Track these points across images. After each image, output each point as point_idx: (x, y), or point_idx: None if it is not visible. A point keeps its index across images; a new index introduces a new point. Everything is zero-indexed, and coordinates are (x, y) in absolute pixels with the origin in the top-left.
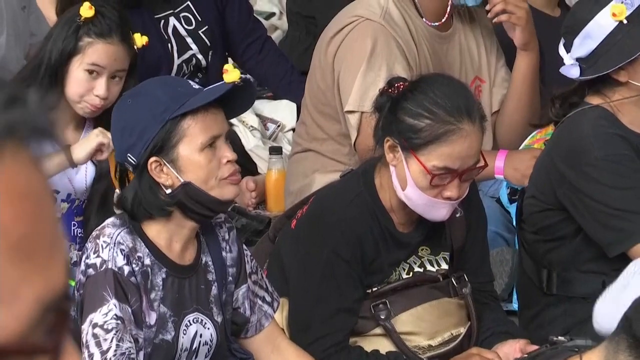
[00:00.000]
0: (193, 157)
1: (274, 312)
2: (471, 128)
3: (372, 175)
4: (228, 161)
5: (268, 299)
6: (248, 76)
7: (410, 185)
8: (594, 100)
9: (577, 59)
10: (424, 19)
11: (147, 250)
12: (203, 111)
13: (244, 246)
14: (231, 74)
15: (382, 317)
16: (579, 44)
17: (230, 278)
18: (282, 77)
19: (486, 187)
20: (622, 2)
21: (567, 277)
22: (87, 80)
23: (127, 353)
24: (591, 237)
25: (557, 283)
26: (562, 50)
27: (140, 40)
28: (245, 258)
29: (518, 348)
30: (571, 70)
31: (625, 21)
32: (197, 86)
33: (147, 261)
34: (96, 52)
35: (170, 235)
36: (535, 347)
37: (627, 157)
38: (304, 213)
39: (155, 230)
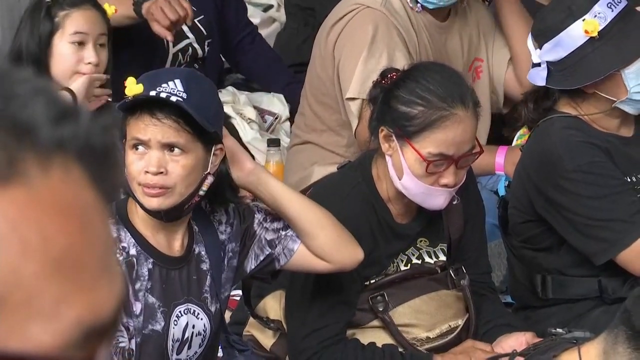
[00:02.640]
0: (127, 155)
1: None
2: (465, 114)
3: (369, 166)
4: (147, 171)
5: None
6: (175, 99)
7: (407, 174)
8: (565, 107)
9: (547, 62)
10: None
11: (133, 241)
12: (137, 114)
13: (250, 206)
14: (130, 87)
15: (380, 309)
16: (549, 49)
17: (230, 254)
18: (268, 68)
19: (485, 180)
20: (595, 17)
21: (562, 281)
22: (73, 53)
23: (114, 341)
24: (575, 248)
25: (552, 287)
26: (530, 45)
27: (109, 9)
28: (250, 221)
29: (524, 341)
30: (539, 74)
31: (597, 36)
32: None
33: (133, 251)
34: (74, 20)
35: (154, 225)
36: (540, 339)
37: (598, 164)
38: None
39: (141, 220)
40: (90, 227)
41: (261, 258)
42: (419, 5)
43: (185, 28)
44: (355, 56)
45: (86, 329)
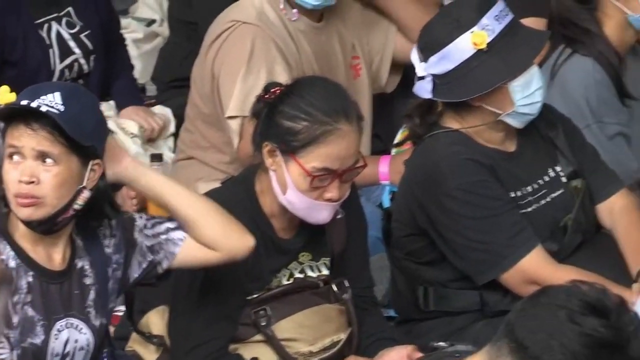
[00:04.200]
0: (4, 164)
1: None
2: (348, 128)
3: (252, 181)
4: (20, 181)
5: (171, 225)
6: (47, 109)
7: (291, 189)
8: (450, 122)
9: (432, 74)
10: (296, 12)
11: (13, 253)
12: (15, 123)
13: (130, 214)
14: (3, 96)
15: (263, 323)
16: (435, 62)
17: (115, 266)
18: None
19: (369, 193)
20: (483, 29)
21: (444, 293)
22: None
23: None
24: (456, 266)
25: (434, 300)
26: (415, 58)
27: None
28: (131, 230)
29: (406, 354)
30: (424, 87)
31: (485, 48)
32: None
33: (12, 264)
34: None
35: (33, 238)
36: (421, 354)
37: (481, 183)
38: None
39: (21, 232)
40: None
41: (144, 265)
42: (294, 12)
43: (72, 43)
44: (234, 74)
45: None
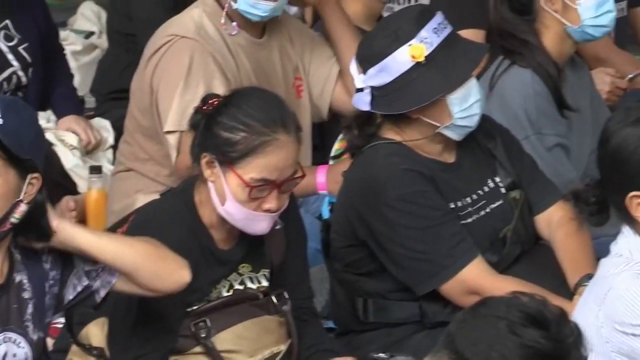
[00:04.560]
0: None
1: None
2: (287, 138)
3: (191, 193)
4: None
5: None
6: None
7: (230, 200)
8: (389, 133)
9: (371, 87)
10: (236, 26)
11: None
12: None
13: None
14: None
15: (203, 335)
16: (373, 74)
17: (52, 281)
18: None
19: (308, 204)
20: (421, 42)
21: (383, 304)
22: None
23: None
24: (396, 277)
25: (373, 311)
26: (354, 70)
27: None
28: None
29: None
30: (363, 99)
31: (423, 61)
32: None
33: None
34: None
35: None
36: None
37: (422, 193)
38: (124, 232)
39: None
40: None
41: (79, 289)
42: (234, 25)
43: (10, 56)
44: (172, 89)
45: None
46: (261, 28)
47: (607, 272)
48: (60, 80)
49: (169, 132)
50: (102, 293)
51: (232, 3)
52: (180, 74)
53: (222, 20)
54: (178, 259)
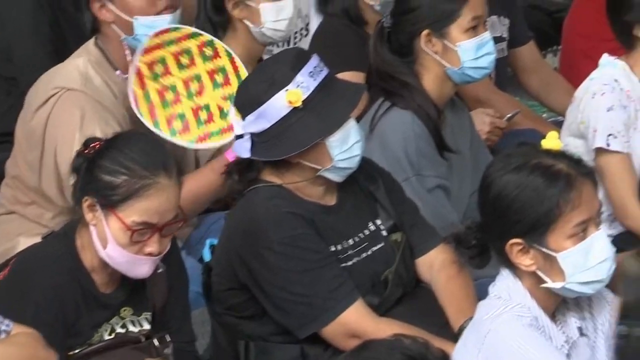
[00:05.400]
0: None
1: None
2: (168, 182)
3: (72, 236)
4: None
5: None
6: None
7: (111, 243)
8: (270, 177)
9: (250, 133)
10: (120, 74)
11: None
12: None
13: None
14: None
15: None
16: (252, 121)
17: None
18: None
19: (189, 247)
20: (298, 86)
21: (265, 347)
22: None
23: None
24: (277, 321)
25: (254, 354)
26: (233, 116)
27: None
28: None
29: None
30: (243, 145)
31: (300, 106)
32: None
33: None
34: None
35: None
36: None
37: (302, 236)
38: (5, 276)
39: None
40: None
41: None
42: (118, 73)
43: None
44: (69, 142)
45: None
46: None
47: (486, 314)
48: None
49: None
50: None
51: (126, 36)
52: (74, 126)
53: (107, 67)
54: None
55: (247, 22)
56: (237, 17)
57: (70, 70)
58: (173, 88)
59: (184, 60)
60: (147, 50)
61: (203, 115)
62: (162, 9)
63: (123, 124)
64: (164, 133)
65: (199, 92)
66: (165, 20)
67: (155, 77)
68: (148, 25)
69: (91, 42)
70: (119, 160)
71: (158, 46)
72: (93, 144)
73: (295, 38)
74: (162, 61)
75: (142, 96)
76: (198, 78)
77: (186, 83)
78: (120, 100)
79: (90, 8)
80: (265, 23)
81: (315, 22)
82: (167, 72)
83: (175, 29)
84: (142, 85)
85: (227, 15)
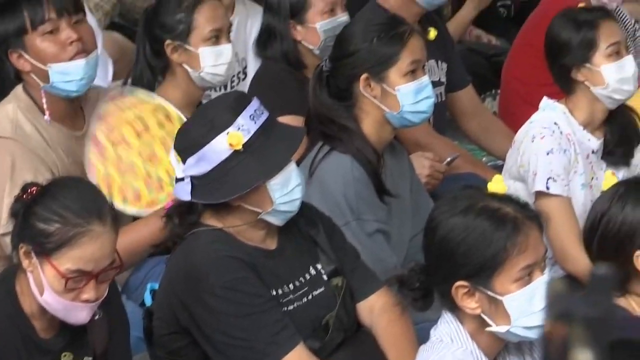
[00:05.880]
0: None
1: None
2: (102, 229)
3: (12, 281)
4: None
5: None
6: None
7: (47, 290)
8: (210, 220)
9: (191, 176)
10: (48, 120)
11: None
12: None
13: None
14: None
15: None
16: (192, 164)
17: None
18: None
19: (129, 291)
20: (238, 129)
21: None
22: None
23: None
24: None
25: None
26: (173, 160)
27: None
28: None
29: None
30: (183, 188)
31: (241, 149)
32: None
33: None
34: None
35: None
36: None
37: (242, 280)
38: None
39: None
40: None
41: None
42: (46, 118)
43: None
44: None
45: None
46: (81, 118)
47: (428, 358)
48: None
49: (4, 235)
50: None
51: (44, 84)
52: (4, 175)
53: (38, 114)
54: None
55: (186, 67)
56: (176, 61)
57: None
58: (128, 158)
59: (138, 126)
60: (104, 117)
61: (154, 183)
62: (73, 54)
63: (54, 171)
64: (116, 202)
65: (151, 159)
66: (79, 66)
67: (113, 144)
68: (62, 72)
69: (20, 87)
70: (52, 208)
71: (115, 112)
72: (30, 189)
73: (232, 82)
74: (119, 130)
75: (98, 168)
76: (150, 145)
77: (140, 152)
78: (52, 146)
79: (9, 59)
80: (205, 67)
81: (252, 65)
82: (123, 140)
83: (131, 92)
84: (101, 154)
85: (167, 60)
